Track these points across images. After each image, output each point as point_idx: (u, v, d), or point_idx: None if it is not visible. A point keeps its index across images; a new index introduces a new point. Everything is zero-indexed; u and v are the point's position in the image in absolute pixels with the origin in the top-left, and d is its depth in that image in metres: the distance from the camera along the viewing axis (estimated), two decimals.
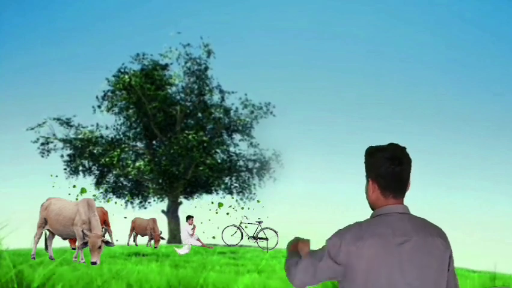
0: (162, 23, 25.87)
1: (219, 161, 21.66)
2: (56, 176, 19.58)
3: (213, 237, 17.05)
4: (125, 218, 16.94)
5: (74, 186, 19.96)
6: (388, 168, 1.92)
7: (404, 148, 1.97)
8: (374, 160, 1.95)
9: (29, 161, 21.97)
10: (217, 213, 19.93)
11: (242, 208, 19.86)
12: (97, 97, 21.49)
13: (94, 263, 9.04)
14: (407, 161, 1.94)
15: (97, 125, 21.52)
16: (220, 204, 15.83)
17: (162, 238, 15.65)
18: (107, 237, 15.10)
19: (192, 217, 17.06)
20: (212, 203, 21.06)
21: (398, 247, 1.83)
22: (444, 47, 25.40)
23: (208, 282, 7.20)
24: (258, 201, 21.46)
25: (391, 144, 1.97)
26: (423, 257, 1.85)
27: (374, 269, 1.82)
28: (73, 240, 12.66)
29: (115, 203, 21.21)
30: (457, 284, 2.00)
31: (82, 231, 9.59)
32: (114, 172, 21.45)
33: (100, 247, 9.26)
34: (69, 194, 19.15)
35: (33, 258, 10.51)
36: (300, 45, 25.89)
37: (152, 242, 15.66)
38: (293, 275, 1.94)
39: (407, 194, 2.01)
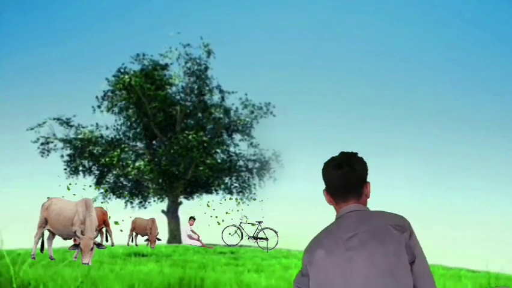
0: (162, 23, 25.87)
1: (219, 161, 21.64)
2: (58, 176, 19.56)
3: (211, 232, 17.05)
4: (105, 208, 16.94)
5: (71, 184, 19.85)
6: (331, 175, 2.04)
7: (351, 153, 2.06)
8: (324, 171, 2.08)
9: (29, 161, 21.96)
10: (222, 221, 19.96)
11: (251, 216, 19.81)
12: (97, 97, 21.49)
13: (86, 264, 9.08)
14: (349, 164, 2.02)
15: (97, 125, 21.52)
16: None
17: (158, 239, 15.63)
18: (107, 237, 15.13)
19: (194, 219, 17.10)
20: (208, 205, 21.03)
21: (346, 243, 1.86)
22: (444, 47, 25.40)
23: (208, 282, 7.21)
24: (262, 200, 21.44)
25: (340, 153, 2.08)
26: (374, 247, 1.83)
27: (328, 269, 1.86)
28: None
29: (105, 202, 21.19)
30: (426, 269, 1.90)
31: (75, 232, 9.61)
32: (114, 172, 21.45)
33: (92, 248, 9.29)
34: (74, 194, 19.16)
35: (33, 258, 10.51)
36: (300, 45, 25.88)
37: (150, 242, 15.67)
38: None
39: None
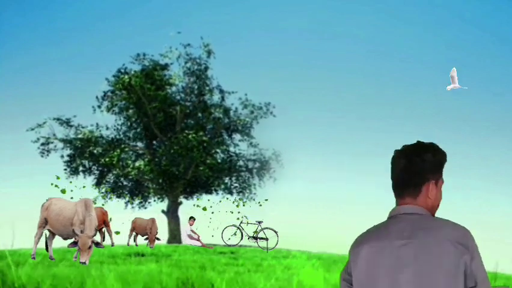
0: (162, 23, 25.88)
1: (219, 161, 21.64)
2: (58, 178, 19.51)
3: (212, 236, 17.07)
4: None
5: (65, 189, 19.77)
6: (392, 164, 1.83)
7: (420, 144, 1.81)
8: (391, 159, 1.85)
9: (29, 161, 21.96)
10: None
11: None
12: (97, 97, 21.48)
13: (83, 263, 9.07)
14: (409, 155, 1.78)
15: (97, 125, 21.52)
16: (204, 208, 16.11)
17: (158, 239, 15.61)
18: (106, 237, 15.13)
19: (194, 219, 17.12)
20: (201, 207, 21.02)
21: (397, 251, 1.66)
22: (444, 47, 25.40)
23: (208, 282, 7.21)
24: (262, 202, 21.37)
25: (416, 142, 1.84)
26: (428, 263, 1.61)
27: (369, 276, 1.70)
28: None
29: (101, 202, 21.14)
30: None
31: (73, 230, 9.61)
32: (114, 172, 21.44)
33: (90, 247, 9.28)
34: (71, 198, 19.16)
35: (33, 258, 10.52)
36: (300, 45, 25.90)
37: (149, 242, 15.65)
38: None
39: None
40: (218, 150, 21.74)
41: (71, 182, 20.31)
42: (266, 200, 21.32)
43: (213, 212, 20.46)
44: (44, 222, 10.67)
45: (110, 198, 21.50)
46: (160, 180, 21.22)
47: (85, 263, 9.09)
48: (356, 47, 25.01)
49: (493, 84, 25.32)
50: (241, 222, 15.83)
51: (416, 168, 1.76)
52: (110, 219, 15.20)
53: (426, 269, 1.61)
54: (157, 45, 22.47)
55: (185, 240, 17.14)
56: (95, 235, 9.63)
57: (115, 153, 20.69)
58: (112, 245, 15.01)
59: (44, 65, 24.44)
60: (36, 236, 10.79)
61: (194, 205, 21.36)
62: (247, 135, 22.03)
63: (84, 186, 20.54)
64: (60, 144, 21.10)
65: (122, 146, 21.37)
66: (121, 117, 21.91)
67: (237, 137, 22.26)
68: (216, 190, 21.94)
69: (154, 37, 26.27)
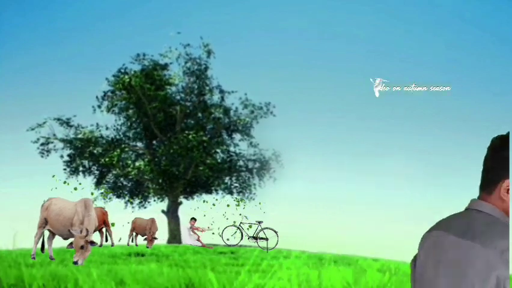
0: (162, 23, 25.85)
1: (219, 161, 21.64)
2: (55, 178, 19.48)
3: (212, 233, 17.05)
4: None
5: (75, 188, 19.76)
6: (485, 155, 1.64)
7: (501, 136, 1.58)
8: None
9: (29, 161, 21.95)
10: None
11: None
12: (97, 97, 21.49)
13: (75, 263, 9.06)
14: (497, 147, 1.57)
15: (97, 125, 21.52)
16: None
17: (155, 238, 15.62)
18: (106, 237, 15.12)
19: (195, 220, 17.16)
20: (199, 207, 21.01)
21: (447, 250, 1.49)
22: (444, 47, 25.39)
23: (208, 283, 7.21)
24: (260, 203, 21.34)
25: None
26: (463, 270, 1.43)
27: (424, 266, 1.55)
28: None
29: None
30: None
31: (69, 230, 9.62)
32: (114, 172, 21.45)
33: (82, 247, 9.26)
34: (74, 189, 19.11)
35: (33, 258, 10.53)
36: (300, 45, 25.88)
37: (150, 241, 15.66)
38: None
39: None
40: (218, 150, 21.74)
41: (68, 184, 20.25)
42: (260, 203, 21.23)
43: (213, 218, 20.44)
44: (44, 222, 10.67)
45: (110, 198, 21.49)
46: (160, 180, 21.22)
47: (77, 262, 9.07)
48: (356, 47, 24.99)
49: (493, 84, 25.31)
50: (241, 223, 15.85)
51: (491, 165, 1.58)
52: (113, 224, 15.23)
53: (461, 272, 1.43)
54: (157, 45, 22.44)
55: (185, 240, 17.15)
56: (87, 235, 9.57)
57: (115, 153, 20.69)
58: (112, 245, 15.01)
59: (44, 65, 24.42)
60: (36, 236, 10.79)
61: (191, 208, 21.35)
62: (247, 135, 22.04)
63: (78, 188, 20.44)
64: (60, 144, 21.11)
65: (122, 146, 21.37)
66: (121, 117, 21.92)
67: (237, 136, 22.28)
68: (216, 190, 21.94)
69: (154, 37, 26.23)
